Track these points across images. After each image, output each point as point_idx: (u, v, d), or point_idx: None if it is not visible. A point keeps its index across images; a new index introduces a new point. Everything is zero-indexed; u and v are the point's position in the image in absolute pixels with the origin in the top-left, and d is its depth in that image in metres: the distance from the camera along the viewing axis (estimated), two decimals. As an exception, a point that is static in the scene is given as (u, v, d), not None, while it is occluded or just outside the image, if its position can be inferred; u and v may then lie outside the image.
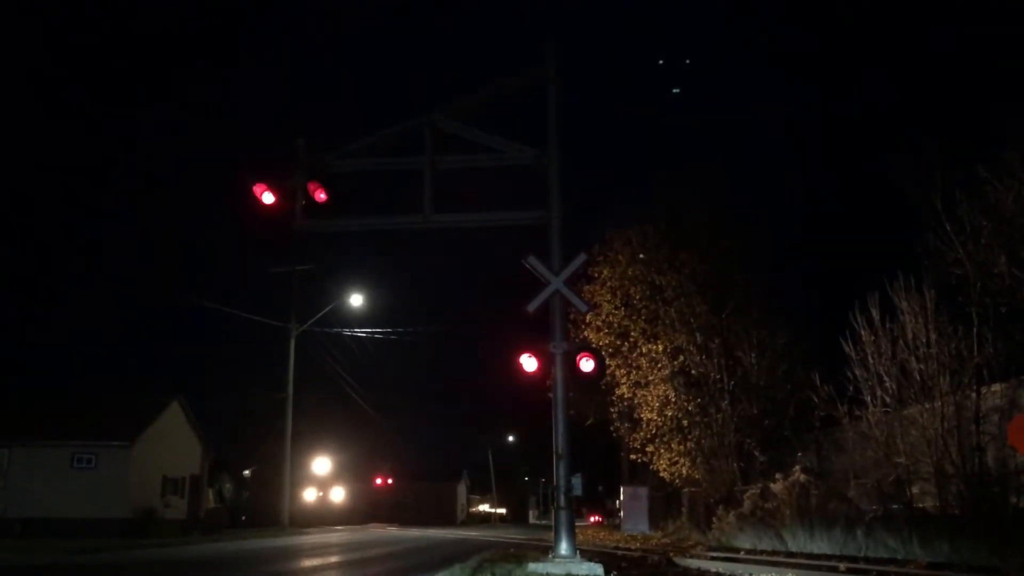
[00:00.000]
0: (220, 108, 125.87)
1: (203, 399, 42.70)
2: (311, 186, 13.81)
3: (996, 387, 14.57)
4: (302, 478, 62.65)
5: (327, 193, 13.88)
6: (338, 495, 66.00)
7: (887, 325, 15.78)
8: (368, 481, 67.42)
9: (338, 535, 33.78)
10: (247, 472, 55.75)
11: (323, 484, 64.78)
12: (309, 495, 64.92)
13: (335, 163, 14.25)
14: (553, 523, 13.00)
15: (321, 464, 61.71)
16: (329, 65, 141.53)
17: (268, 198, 13.45)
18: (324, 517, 56.09)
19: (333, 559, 18.22)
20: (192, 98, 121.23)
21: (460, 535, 35.91)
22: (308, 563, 16.76)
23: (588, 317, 27.29)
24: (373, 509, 65.61)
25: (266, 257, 39.16)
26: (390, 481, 68.70)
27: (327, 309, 39.73)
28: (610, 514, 61.00)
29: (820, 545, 16.13)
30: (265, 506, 42.34)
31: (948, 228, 15.07)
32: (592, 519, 69.73)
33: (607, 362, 26.90)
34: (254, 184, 13.47)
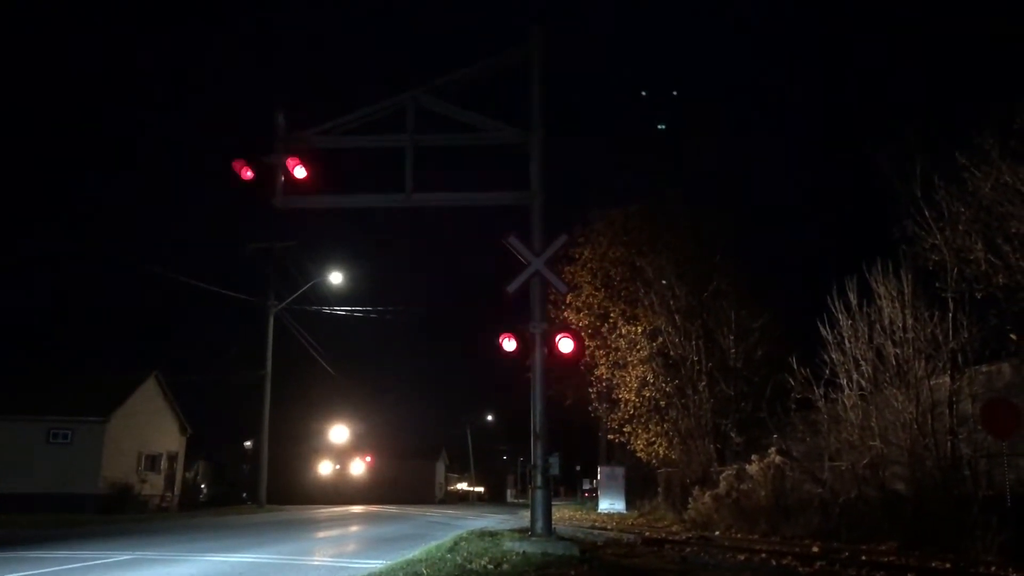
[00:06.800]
0: (199, 83, 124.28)
1: (187, 375, 41.90)
2: (291, 163, 13.64)
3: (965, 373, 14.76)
4: (313, 450, 61.79)
5: (308, 170, 13.73)
6: (358, 468, 65.11)
7: (864, 309, 15.94)
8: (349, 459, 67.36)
9: (296, 513, 33.70)
10: (248, 443, 54.57)
11: (340, 457, 63.90)
12: (325, 468, 63.74)
13: (316, 140, 14.11)
14: (530, 502, 13.05)
15: (339, 433, 60.38)
16: (312, 41, 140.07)
17: (247, 174, 13.29)
18: (297, 495, 55.75)
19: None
20: (169, 73, 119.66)
21: (441, 514, 35.98)
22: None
23: (568, 298, 27.36)
24: (352, 487, 65.61)
25: (260, 235, 38.70)
26: (369, 459, 68.61)
27: (306, 287, 39.51)
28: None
29: (794, 526, 16.34)
30: (270, 481, 41.44)
31: (926, 214, 15.19)
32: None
33: (586, 343, 26.96)
34: (233, 159, 13.31)
